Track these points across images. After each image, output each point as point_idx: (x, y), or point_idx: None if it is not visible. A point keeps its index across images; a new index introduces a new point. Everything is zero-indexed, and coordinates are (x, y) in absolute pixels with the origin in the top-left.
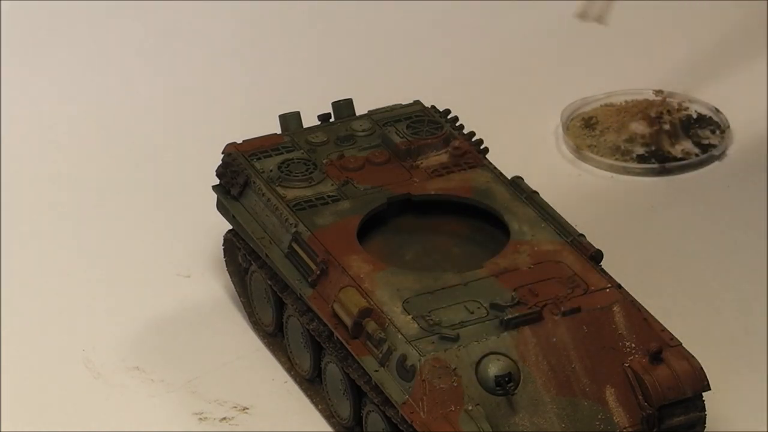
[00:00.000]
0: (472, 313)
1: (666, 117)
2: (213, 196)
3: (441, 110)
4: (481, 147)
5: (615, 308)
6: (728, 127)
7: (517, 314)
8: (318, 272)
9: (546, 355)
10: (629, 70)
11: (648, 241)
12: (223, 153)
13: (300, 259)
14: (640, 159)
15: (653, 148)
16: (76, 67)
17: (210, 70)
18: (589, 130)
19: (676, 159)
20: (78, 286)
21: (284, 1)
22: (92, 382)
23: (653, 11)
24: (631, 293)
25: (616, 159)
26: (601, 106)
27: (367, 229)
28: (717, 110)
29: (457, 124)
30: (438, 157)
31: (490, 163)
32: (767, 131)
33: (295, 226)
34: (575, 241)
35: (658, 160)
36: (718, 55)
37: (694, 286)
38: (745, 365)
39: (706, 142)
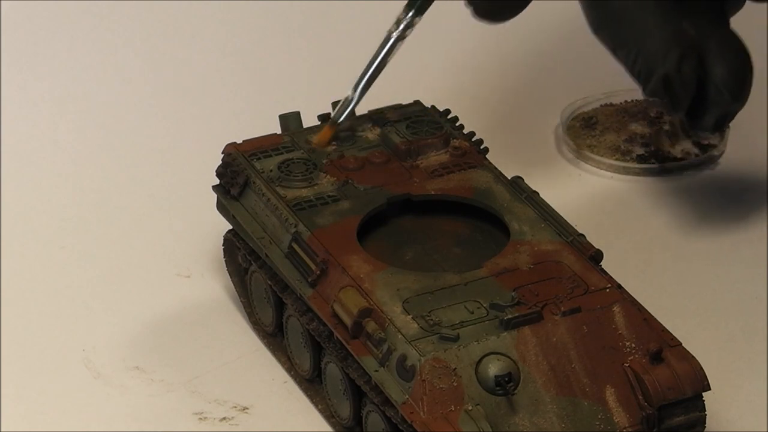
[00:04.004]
0: (472, 313)
1: (666, 117)
2: (213, 196)
3: (441, 110)
4: (481, 147)
5: (615, 308)
6: (728, 127)
7: (517, 314)
8: (318, 272)
9: (546, 355)
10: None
11: (648, 241)
12: (223, 153)
13: (300, 259)
14: (640, 159)
15: (653, 148)
16: (76, 67)
17: (210, 70)
18: (589, 130)
19: (675, 159)
20: (78, 285)
21: (284, 1)
22: (92, 382)
23: None
24: (631, 293)
25: (616, 159)
26: (601, 106)
27: (367, 229)
28: None
29: (457, 124)
30: (438, 157)
31: (490, 163)
32: (767, 131)
33: (295, 226)
34: (575, 241)
35: (658, 160)
36: None
37: (694, 286)
38: (745, 365)
39: (705, 142)
